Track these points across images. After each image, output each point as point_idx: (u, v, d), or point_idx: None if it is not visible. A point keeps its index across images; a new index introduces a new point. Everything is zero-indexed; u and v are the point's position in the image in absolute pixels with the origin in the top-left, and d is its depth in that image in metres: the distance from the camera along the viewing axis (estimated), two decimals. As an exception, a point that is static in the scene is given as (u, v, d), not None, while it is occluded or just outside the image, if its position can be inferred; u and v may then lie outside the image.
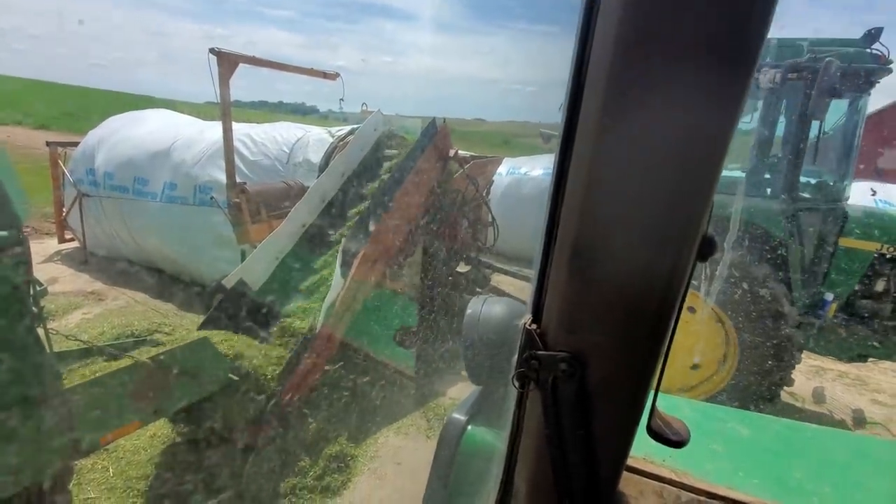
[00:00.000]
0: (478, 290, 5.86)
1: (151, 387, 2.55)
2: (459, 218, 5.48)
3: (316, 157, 5.61)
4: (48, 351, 2.11)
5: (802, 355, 4.22)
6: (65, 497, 2.76)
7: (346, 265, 3.85)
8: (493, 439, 0.93)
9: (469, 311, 0.94)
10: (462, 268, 5.89)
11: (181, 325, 4.95)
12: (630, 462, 0.83)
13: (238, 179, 4.85)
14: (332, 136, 5.87)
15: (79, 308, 5.78)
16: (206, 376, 2.86)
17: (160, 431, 3.50)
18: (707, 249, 0.55)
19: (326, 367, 3.63)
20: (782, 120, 4.35)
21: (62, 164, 7.24)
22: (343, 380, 3.78)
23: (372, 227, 4.00)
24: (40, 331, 2.08)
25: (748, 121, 4.60)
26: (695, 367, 4.40)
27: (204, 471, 3.06)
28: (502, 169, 8.44)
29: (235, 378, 3.05)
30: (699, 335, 4.32)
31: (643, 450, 0.84)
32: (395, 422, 4.10)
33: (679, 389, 4.41)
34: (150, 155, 6.39)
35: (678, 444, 0.63)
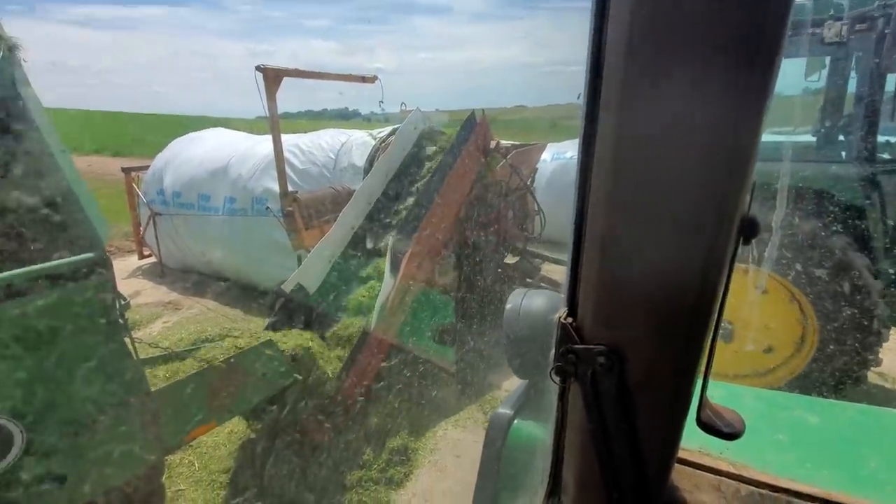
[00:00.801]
0: (528, 280, 5.79)
1: (225, 387, 2.75)
2: (504, 209, 5.43)
3: (360, 161, 5.76)
4: (135, 358, 2.33)
5: (890, 332, 3.82)
6: (157, 490, 3.04)
7: (394, 264, 3.95)
8: (539, 433, 0.92)
9: (509, 304, 0.94)
10: (510, 259, 5.84)
11: (248, 329, 5.29)
12: (684, 455, 0.80)
13: (290, 188, 5.08)
14: (374, 139, 6.00)
15: (159, 317, 6.32)
16: (273, 376, 3.05)
17: (236, 428, 3.77)
18: (750, 231, 0.52)
19: (383, 364, 3.75)
20: (853, 76, 3.94)
21: (136, 187, 7.91)
22: (400, 375, 3.88)
23: (417, 226, 4.06)
24: (127, 340, 2.30)
25: (816, 80, 4.20)
26: (768, 350, 4.11)
27: (276, 464, 3.26)
28: (546, 155, 8.25)
29: (299, 377, 3.22)
30: (772, 316, 4.03)
31: (698, 442, 0.81)
32: (453, 415, 4.16)
33: (752, 375, 4.14)
34: (210, 172, 6.84)
35: (730, 435, 0.60)
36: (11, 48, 2.18)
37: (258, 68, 4.55)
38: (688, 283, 0.53)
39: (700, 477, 0.77)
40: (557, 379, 0.65)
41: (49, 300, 1.98)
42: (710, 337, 0.59)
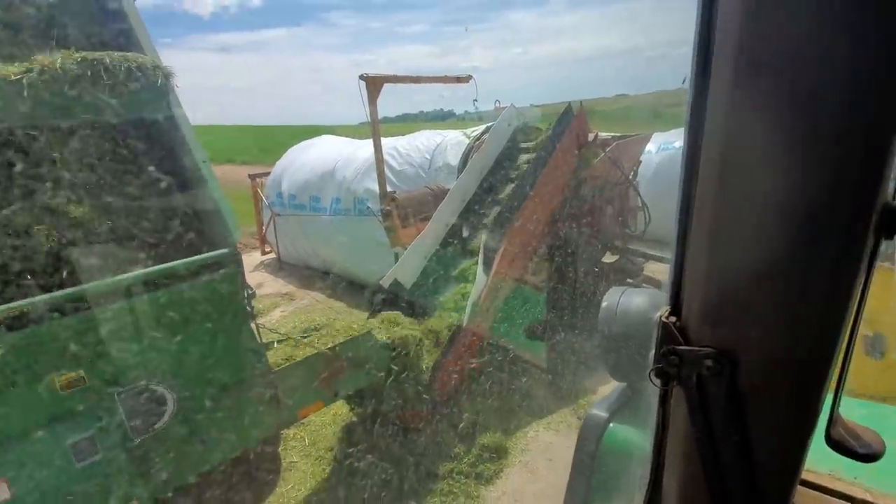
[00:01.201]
0: (629, 280, 5.45)
1: (331, 372, 3.01)
2: (603, 205, 5.18)
3: (454, 160, 5.88)
4: (259, 341, 2.65)
5: None
6: (275, 458, 3.42)
7: (487, 262, 3.97)
8: (636, 438, 0.87)
9: (605, 303, 0.90)
10: (609, 258, 5.55)
11: (351, 321, 5.69)
12: (810, 477, 0.70)
13: (388, 189, 5.37)
14: (469, 137, 6.08)
15: (277, 307, 7.08)
16: (372, 365, 3.25)
17: (340, 411, 4.09)
18: (893, 224, 0.45)
19: (474, 360, 3.80)
20: None
21: (260, 192, 8.93)
22: (491, 373, 3.90)
23: (511, 224, 4.04)
24: (253, 326, 2.62)
25: None
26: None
27: (374, 448, 3.48)
28: (651, 146, 7.67)
29: (396, 368, 3.40)
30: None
31: (829, 465, 0.70)
32: (545, 417, 4.07)
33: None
34: (319, 176, 7.48)
35: (866, 457, 0.52)
36: (167, 76, 2.60)
37: (361, 77, 4.87)
38: (814, 283, 0.47)
39: (829, 503, 0.67)
40: (658, 382, 0.62)
41: (193, 288, 2.33)
42: (846, 345, 0.51)
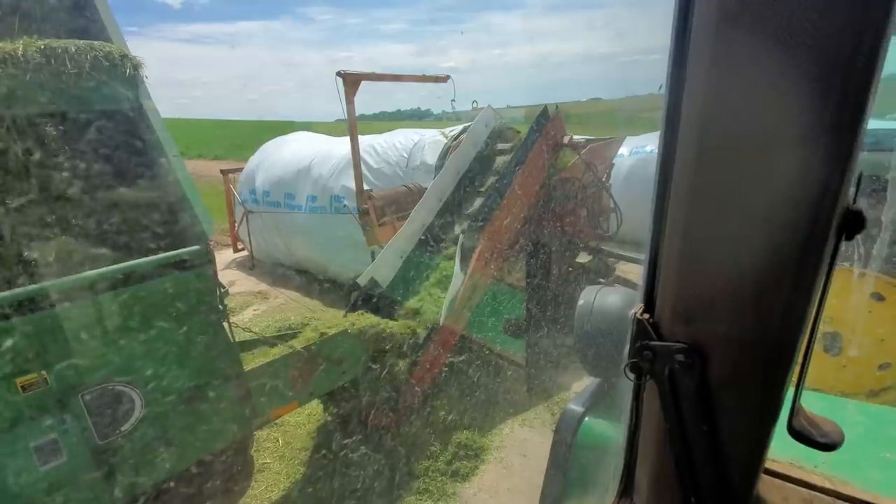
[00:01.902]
0: (600, 280, 5.57)
1: (306, 372, 2.97)
2: (578, 207, 5.27)
3: (432, 159, 5.88)
4: (232, 340, 2.59)
5: None
6: (246, 460, 3.35)
7: (464, 261, 3.99)
8: (611, 431, 0.90)
9: (581, 301, 0.93)
10: (583, 258, 5.66)
11: (326, 320, 5.62)
12: (773, 466, 0.74)
13: (365, 187, 5.33)
14: (446, 137, 6.09)
15: (250, 305, 6.92)
16: (347, 364, 3.23)
17: (314, 411, 4.04)
18: (853, 226, 0.48)
19: (451, 358, 3.81)
20: None
21: (232, 188, 8.71)
22: (467, 371, 3.93)
23: (487, 223, 4.08)
24: (225, 325, 2.56)
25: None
26: (885, 366, 3.61)
27: (349, 447, 3.45)
28: (624, 150, 7.87)
29: (373, 367, 3.39)
30: (891, 327, 3.53)
31: (790, 454, 0.75)
32: (521, 413, 4.13)
33: (863, 394, 3.66)
34: (294, 173, 7.35)
35: (826, 446, 0.56)
36: (136, 66, 2.51)
37: (339, 74, 4.81)
38: (779, 281, 0.49)
39: (790, 490, 0.71)
40: (632, 376, 0.64)
41: (163, 286, 2.26)
42: (806, 340, 0.55)
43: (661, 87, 0.55)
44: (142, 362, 2.24)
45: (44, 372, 1.94)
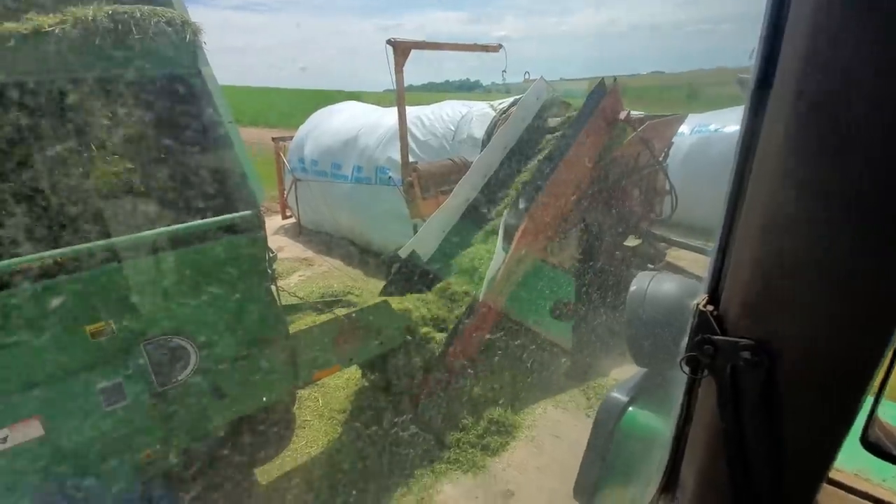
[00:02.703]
0: (649, 265, 5.36)
1: (347, 338, 3.06)
2: (630, 187, 5.05)
3: (479, 132, 5.77)
4: (279, 304, 2.70)
5: None
6: (290, 417, 3.54)
7: (507, 238, 3.94)
8: (655, 423, 0.86)
9: (634, 287, 0.88)
10: (632, 242, 5.45)
11: (367, 289, 5.76)
12: (836, 476, 0.69)
13: (411, 159, 5.32)
14: (495, 110, 5.94)
15: (296, 271, 7.20)
16: (386, 334, 3.30)
17: (353, 376, 4.20)
18: None
19: (488, 336, 3.82)
20: None
21: (282, 156, 8.96)
22: (504, 349, 3.93)
23: (533, 201, 3.98)
24: (273, 288, 2.67)
25: None
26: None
27: (385, 413, 3.57)
28: (685, 128, 7.39)
29: (409, 338, 3.45)
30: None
31: (856, 464, 0.69)
32: (555, 395, 4.11)
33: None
34: (342, 143, 7.45)
35: None
36: (195, 32, 2.57)
37: (389, 42, 4.76)
38: (863, 281, 0.44)
39: (853, 503, 0.66)
40: (688, 370, 0.60)
41: (216, 248, 2.37)
42: (893, 347, 0.49)
43: (751, 56, 0.48)
44: (197, 319, 2.39)
45: (111, 321, 2.11)
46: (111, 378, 2.14)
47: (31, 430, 1.98)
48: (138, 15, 2.31)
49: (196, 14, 2.67)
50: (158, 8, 2.43)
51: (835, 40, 0.41)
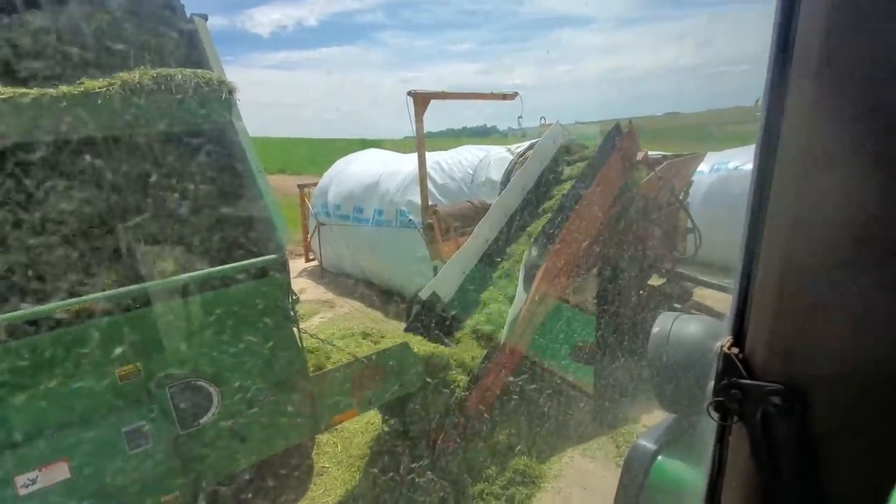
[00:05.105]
0: (676, 305, 5.21)
1: (367, 381, 3.03)
2: (651, 226, 5.00)
3: (497, 175, 5.88)
4: (300, 345, 2.72)
5: None
6: (307, 463, 3.46)
7: (528, 280, 3.91)
8: (687, 474, 0.82)
9: (656, 328, 0.86)
10: (656, 281, 5.33)
11: (388, 331, 5.73)
12: None
13: (430, 202, 5.43)
14: (512, 154, 6.07)
15: (317, 313, 7.25)
16: (407, 376, 3.26)
17: (372, 420, 4.11)
18: None
19: (511, 379, 3.72)
20: None
21: (307, 201, 9.26)
22: (527, 393, 3.81)
23: (553, 241, 3.98)
24: (295, 330, 2.69)
25: None
26: None
27: (405, 461, 3.46)
28: (704, 167, 7.37)
29: (430, 381, 3.39)
30: None
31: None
32: (582, 443, 3.92)
33: None
34: (364, 188, 7.68)
35: None
36: (231, 90, 2.77)
37: (409, 93, 4.99)
38: None
39: None
40: (716, 416, 0.58)
41: (242, 291, 2.43)
42: None
43: (757, 101, 0.50)
44: (221, 361, 2.42)
45: (139, 364, 2.15)
46: (135, 421, 2.16)
47: (59, 472, 1.99)
48: (179, 77, 2.51)
49: (232, 73, 2.89)
50: (199, 70, 2.64)
51: (843, 83, 0.42)
